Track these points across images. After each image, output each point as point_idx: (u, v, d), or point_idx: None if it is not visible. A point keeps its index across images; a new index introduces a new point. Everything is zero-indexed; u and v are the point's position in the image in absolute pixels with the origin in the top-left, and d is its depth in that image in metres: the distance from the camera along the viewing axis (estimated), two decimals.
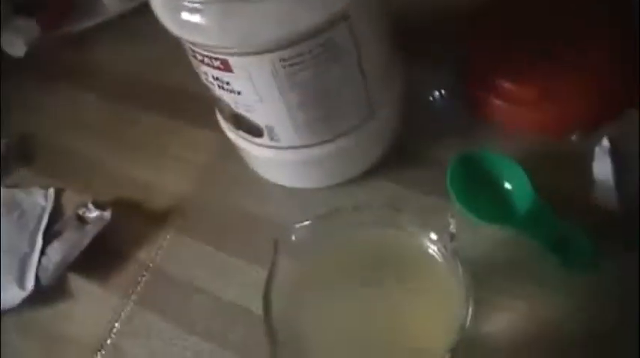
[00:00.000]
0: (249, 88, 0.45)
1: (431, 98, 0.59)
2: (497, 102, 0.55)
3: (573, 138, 0.54)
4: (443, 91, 0.59)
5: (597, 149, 0.52)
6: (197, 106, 0.60)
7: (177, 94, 0.68)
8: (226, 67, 0.45)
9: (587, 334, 0.44)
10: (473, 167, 0.51)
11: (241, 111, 0.48)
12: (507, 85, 0.54)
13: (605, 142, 0.52)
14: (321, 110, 0.48)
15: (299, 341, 0.39)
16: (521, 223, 0.48)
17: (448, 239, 0.38)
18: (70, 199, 0.63)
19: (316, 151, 0.51)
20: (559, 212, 0.48)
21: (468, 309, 0.36)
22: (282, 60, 0.43)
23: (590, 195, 0.51)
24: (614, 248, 0.47)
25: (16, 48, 0.74)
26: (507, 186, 0.51)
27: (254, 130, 0.50)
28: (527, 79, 0.54)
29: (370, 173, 0.56)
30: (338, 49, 0.44)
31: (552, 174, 0.51)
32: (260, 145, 0.51)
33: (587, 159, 0.52)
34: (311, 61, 0.44)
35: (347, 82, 0.47)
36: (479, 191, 0.51)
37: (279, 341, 0.37)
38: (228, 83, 0.46)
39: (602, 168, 0.51)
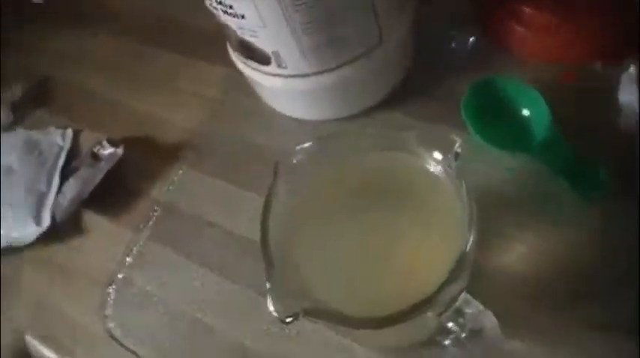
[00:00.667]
0: (252, 10, 0.44)
1: (451, 31, 0.57)
2: (518, 28, 0.52)
3: (596, 68, 0.52)
4: (459, 27, 0.57)
5: (624, 76, 0.50)
6: (212, 44, 0.59)
7: (192, 33, 0.67)
8: None
9: (599, 269, 0.43)
10: (489, 94, 0.49)
11: (247, 37, 0.47)
12: (528, 10, 0.51)
13: (633, 70, 0.50)
14: (327, 34, 0.46)
15: (297, 266, 0.38)
16: (538, 151, 0.46)
17: (453, 158, 0.37)
18: (87, 138, 0.63)
19: (323, 79, 0.49)
20: (578, 141, 0.46)
21: (470, 232, 0.34)
22: None
23: (612, 125, 0.48)
24: (633, 181, 0.45)
25: None
26: (525, 112, 0.49)
27: (261, 58, 0.48)
28: (549, 3, 0.51)
29: (381, 107, 0.54)
30: None
31: (573, 103, 0.49)
32: (268, 74, 0.50)
33: (610, 89, 0.49)
34: None
35: (354, 5, 0.45)
36: (494, 118, 0.48)
37: (276, 266, 0.36)
38: (231, 7, 0.45)
39: (628, 95, 0.49)
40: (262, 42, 0.47)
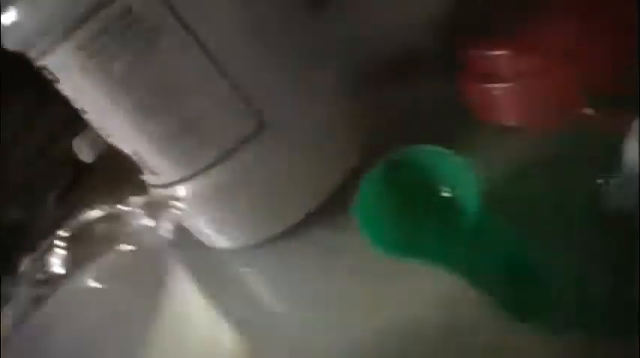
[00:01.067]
0: (79, 96, 0.37)
1: None
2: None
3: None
4: None
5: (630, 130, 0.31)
6: None
7: None
8: (51, 76, 0.36)
9: None
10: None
11: (108, 139, 0.39)
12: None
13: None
14: (173, 119, 0.35)
15: None
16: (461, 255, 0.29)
17: None
18: None
19: (199, 185, 0.38)
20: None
21: None
22: (81, 48, 0.33)
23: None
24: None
25: (85, 154, 0.75)
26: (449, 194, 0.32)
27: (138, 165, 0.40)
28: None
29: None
30: (146, 24, 0.33)
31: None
32: (154, 187, 0.40)
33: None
34: (114, 43, 0.33)
35: (192, 76, 0.35)
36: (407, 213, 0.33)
37: None
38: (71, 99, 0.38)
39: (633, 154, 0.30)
40: (118, 140, 0.39)
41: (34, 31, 0.34)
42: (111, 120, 0.37)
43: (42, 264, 0.60)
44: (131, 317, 0.28)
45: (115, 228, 0.32)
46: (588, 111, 0.33)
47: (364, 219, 0.32)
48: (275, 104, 0.36)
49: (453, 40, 0.39)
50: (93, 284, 0.32)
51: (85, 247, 0.33)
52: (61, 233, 0.35)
